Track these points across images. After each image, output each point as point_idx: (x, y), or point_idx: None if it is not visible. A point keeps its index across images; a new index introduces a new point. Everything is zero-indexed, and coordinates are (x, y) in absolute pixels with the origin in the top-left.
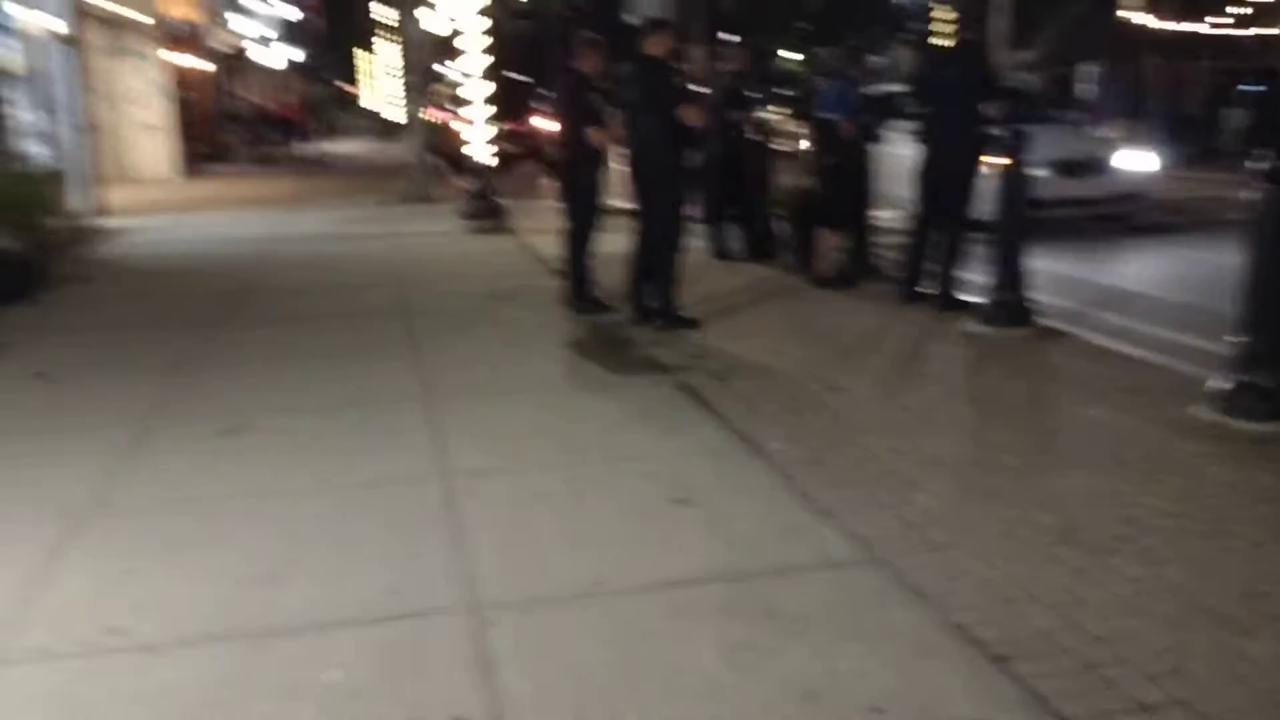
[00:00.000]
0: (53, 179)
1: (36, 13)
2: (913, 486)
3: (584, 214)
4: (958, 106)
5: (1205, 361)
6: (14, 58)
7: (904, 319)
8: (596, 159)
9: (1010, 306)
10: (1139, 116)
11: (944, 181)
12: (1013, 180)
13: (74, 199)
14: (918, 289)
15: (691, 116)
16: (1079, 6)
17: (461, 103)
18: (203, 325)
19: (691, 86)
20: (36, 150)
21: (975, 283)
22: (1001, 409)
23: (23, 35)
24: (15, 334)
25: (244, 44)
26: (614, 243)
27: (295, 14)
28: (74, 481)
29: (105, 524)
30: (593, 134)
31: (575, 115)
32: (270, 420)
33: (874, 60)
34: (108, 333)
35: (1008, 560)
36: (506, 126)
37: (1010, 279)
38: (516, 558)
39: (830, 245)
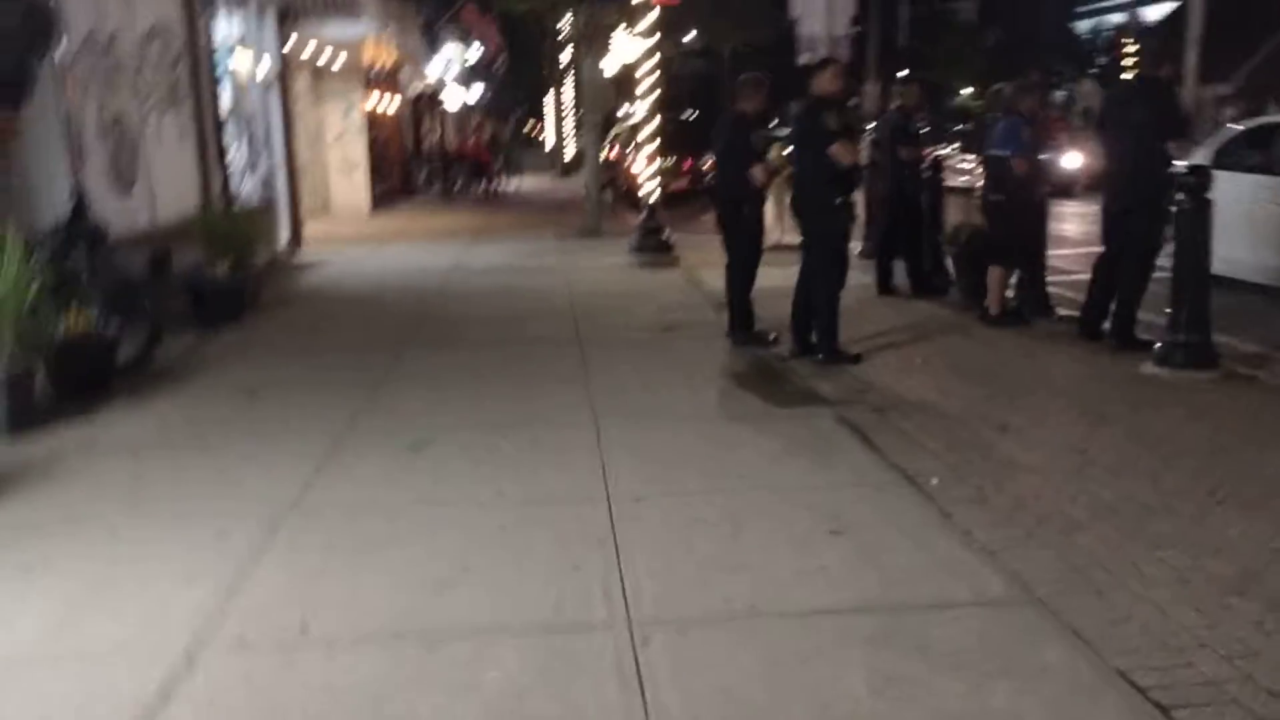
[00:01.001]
0: (263, 214)
1: (248, 60)
2: (1079, 529)
3: (746, 249)
4: (1136, 143)
5: None
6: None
7: (1077, 359)
8: (758, 196)
9: (1191, 348)
10: None
11: (1124, 218)
12: (1194, 216)
13: (279, 232)
14: (1098, 328)
15: (840, 154)
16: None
17: (634, 140)
18: (390, 348)
19: (852, 124)
20: (248, 187)
21: (1156, 323)
22: (1176, 454)
23: (236, 80)
24: (226, 352)
25: (436, 85)
26: (778, 277)
27: (482, 55)
28: (272, 486)
29: (299, 525)
30: (755, 171)
31: (737, 153)
32: (451, 436)
33: (1056, 95)
34: (305, 353)
35: (1176, 607)
36: (672, 162)
37: (1191, 319)
38: (673, 579)
39: (1000, 282)
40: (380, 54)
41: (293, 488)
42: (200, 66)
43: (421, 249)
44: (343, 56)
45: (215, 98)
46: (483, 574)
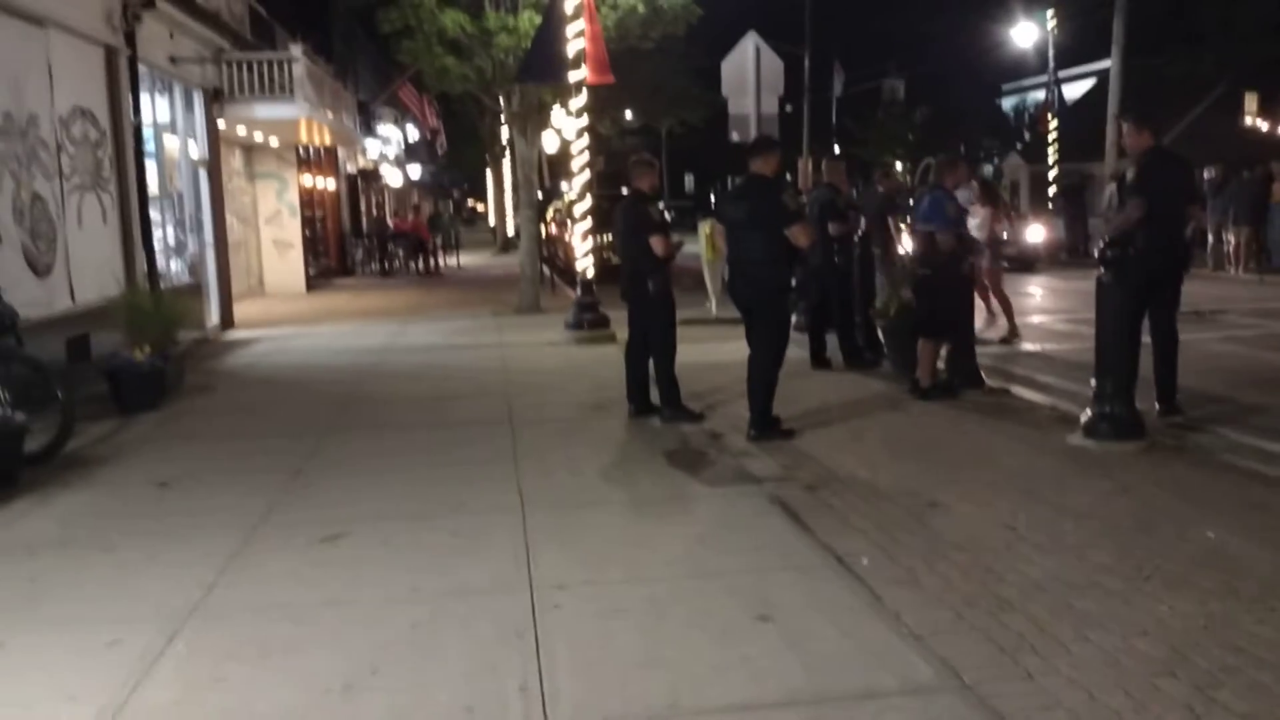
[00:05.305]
0: (189, 294)
1: (178, 138)
2: (1009, 609)
3: (658, 323)
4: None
5: None
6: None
7: (1004, 432)
8: (663, 268)
9: (1116, 420)
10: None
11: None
12: (1114, 289)
13: (206, 312)
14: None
15: (799, 235)
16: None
17: (571, 216)
18: (314, 433)
19: (803, 202)
20: (175, 266)
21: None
22: (1105, 528)
23: (163, 160)
24: (141, 441)
25: (374, 164)
26: (706, 352)
27: (420, 134)
28: (174, 587)
29: (198, 631)
30: (655, 243)
31: (637, 229)
32: (370, 527)
33: (985, 169)
34: (223, 440)
35: (1105, 690)
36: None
37: (1115, 390)
38: (592, 675)
39: (930, 355)
40: (315, 133)
41: (195, 589)
42: (124, 147)
43: (355, 328)
44: (275, 136)
45: (141, 178)
46: (391, 677)
